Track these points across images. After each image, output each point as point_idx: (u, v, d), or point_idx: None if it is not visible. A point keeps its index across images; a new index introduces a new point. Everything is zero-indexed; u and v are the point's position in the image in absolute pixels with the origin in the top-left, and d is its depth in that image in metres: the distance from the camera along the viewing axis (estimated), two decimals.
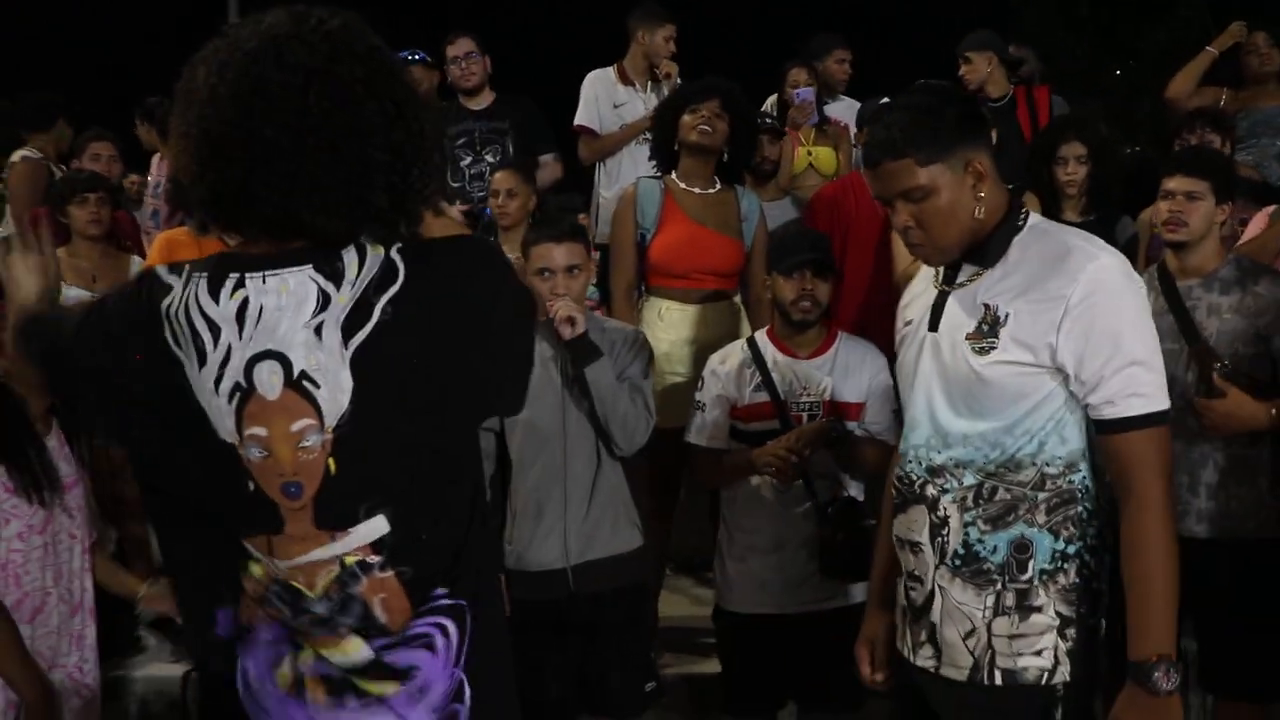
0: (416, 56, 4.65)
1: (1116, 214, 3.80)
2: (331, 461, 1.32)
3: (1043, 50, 15.68)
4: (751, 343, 2.95)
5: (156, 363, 1.35)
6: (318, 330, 1.31)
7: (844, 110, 4.99)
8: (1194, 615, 3.01)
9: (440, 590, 1.39)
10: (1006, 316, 1.82)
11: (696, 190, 3.55)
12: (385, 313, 1.32)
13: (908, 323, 2.05)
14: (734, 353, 2.95)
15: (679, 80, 4.47)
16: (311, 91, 1.28)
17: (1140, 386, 1.78)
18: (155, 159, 5.36)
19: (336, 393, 1.31)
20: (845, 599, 2.82)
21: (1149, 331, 1.82)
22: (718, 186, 3.59)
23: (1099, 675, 1.91)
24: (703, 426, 2.92)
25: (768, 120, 4.51)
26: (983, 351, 1.83)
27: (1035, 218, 1.91)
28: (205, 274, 1.35)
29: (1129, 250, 3.81)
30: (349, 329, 1.31)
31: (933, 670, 1.93)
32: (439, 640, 1.39)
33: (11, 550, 2.30)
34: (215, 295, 1.33)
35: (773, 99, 5.00)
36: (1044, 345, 1.79)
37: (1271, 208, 3.79)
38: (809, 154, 4.71)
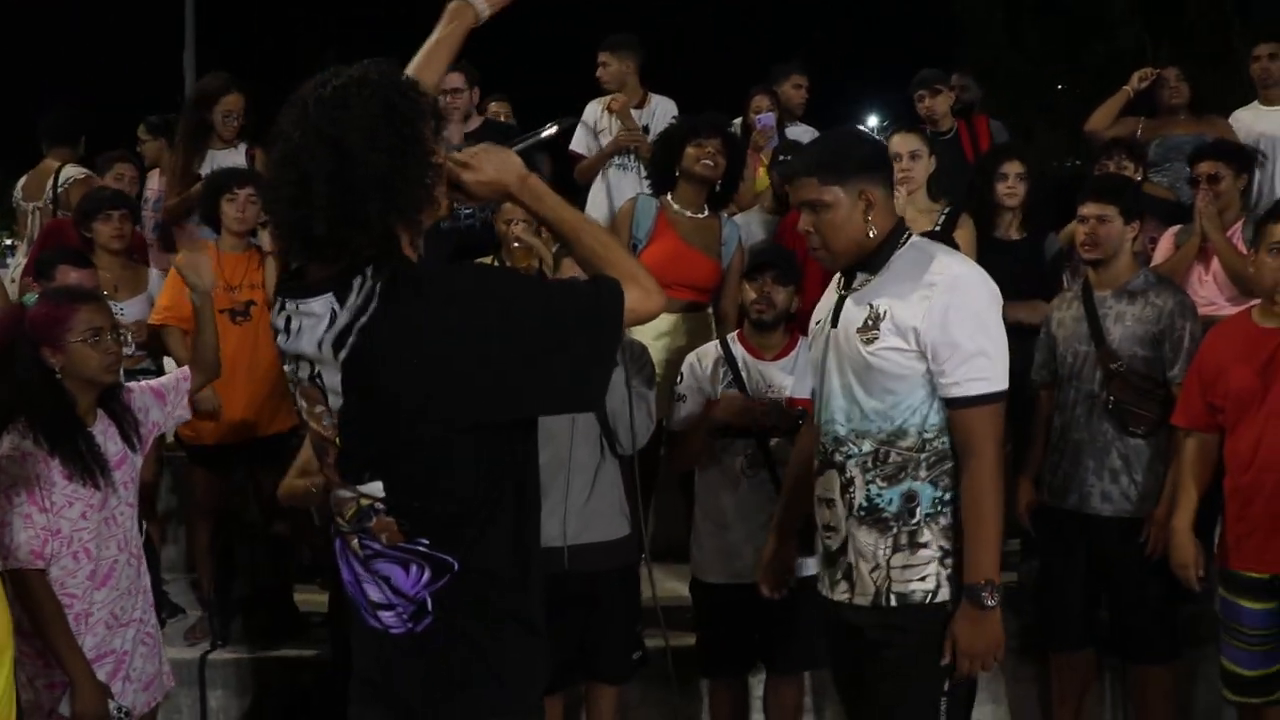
0: None
1: (1045, 232, 4.24)
2: (338, 438, 1.71)
3: (988, 66, 16.20)
4: (724, 343, 3.33)
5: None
6: (319, 344, 1.66)
7: (803, 134, 5.35)
8: (1106, 587, 3.46)
9: (424, 540, 1.69)
10: (885, 312, 2.26)
11: (688, 214, 3.94)
12: (359, 335, 1.62)
13: (817, 323, 2.49)
14: (709, 352, 3.33)
15: (649, 113, 4.87)
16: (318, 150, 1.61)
17: (982, 372, 2.21)
18: (155, 174, 5.54)
19: (334, 390, 1.67)
20: (803, 571, 3.20)
21: (995, 327, 2.25)
22: (706, 213, 3.98)
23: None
24: (681, 416, 3.30)
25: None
26: (869, 342, 2.27)
27: (916, 238, 2.36)
28: (276, 296, 1.78)
29: (1055, 264, 4.25)
30: (337, 345, 1.64)
31: (847, 600, 2.37)
32: (413, 567, 1.71)
33: (76, 529, 2.58)
34: (274, 310, 1.77)
35: (737, 121, 5.39)
36: (911, 330, 2.22)
37: (1177, 227, 4.26)
38: (769, 174, 5.11)
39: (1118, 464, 3.32)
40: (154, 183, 5.49)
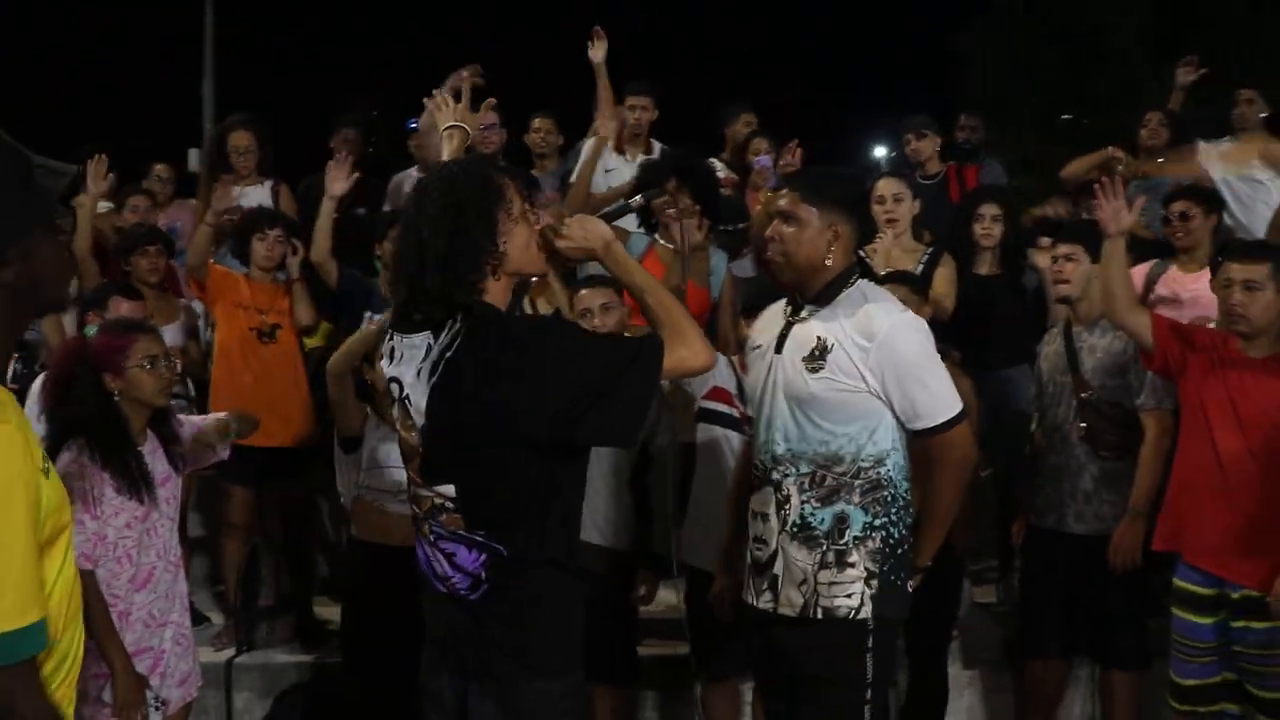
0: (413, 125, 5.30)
1: (1022, 267, 4.49)
2: (422, 448, 2.11)
3: (997, 101, 16.23)
4: (730, 364, 3.54)
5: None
6: (418, 372, 2.08)
7: None
8: (1080, 600, 3.67)
9: (480, 532, 2.06)
10: (833, 346, 2.44)
11: (673, 248, 4.09)
12: (446, 365, 2.04)
13: (756, 347, 2.65)
14: (724, 363, 3.53)
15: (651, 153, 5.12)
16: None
17: (933, 404, 2.45)
18: (170, 208, 5.77)
19: (421, 409, 2.08)
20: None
21: (932, 362, 2.46)
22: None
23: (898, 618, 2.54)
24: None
25: None
26: (814, 371, 2.45)
27: (862, 282, 2.53)
28: (389, 329, 2.22)
29: (1038, 295, 4.45)
30: (430, 373, 2.06)
31: (772, 610, 2.53)
32: (473, 549, 2.07)
33: (121, 536, 2.83)
34: (385, 341, 2.22)
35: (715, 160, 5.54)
36: (857, 374, 2.42)
37: (1151, 261, 4.49)
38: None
39: (1090, 486, 3.55)
40: (170, 215, 5.67)
